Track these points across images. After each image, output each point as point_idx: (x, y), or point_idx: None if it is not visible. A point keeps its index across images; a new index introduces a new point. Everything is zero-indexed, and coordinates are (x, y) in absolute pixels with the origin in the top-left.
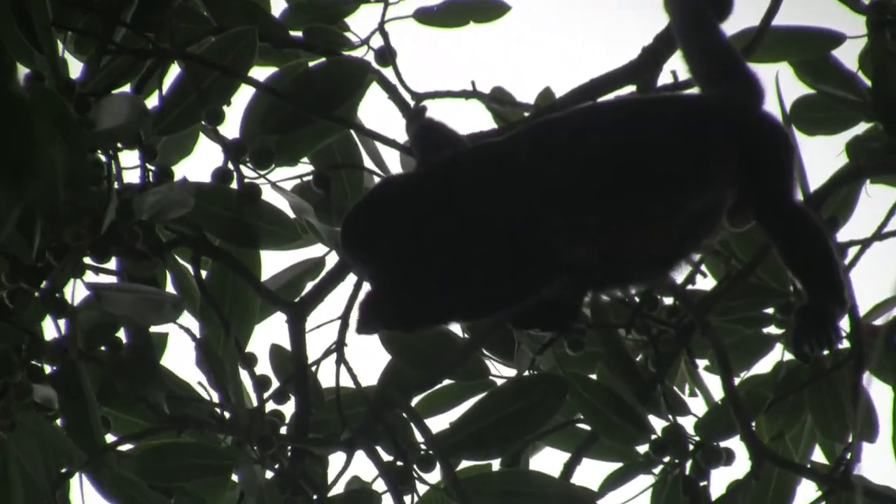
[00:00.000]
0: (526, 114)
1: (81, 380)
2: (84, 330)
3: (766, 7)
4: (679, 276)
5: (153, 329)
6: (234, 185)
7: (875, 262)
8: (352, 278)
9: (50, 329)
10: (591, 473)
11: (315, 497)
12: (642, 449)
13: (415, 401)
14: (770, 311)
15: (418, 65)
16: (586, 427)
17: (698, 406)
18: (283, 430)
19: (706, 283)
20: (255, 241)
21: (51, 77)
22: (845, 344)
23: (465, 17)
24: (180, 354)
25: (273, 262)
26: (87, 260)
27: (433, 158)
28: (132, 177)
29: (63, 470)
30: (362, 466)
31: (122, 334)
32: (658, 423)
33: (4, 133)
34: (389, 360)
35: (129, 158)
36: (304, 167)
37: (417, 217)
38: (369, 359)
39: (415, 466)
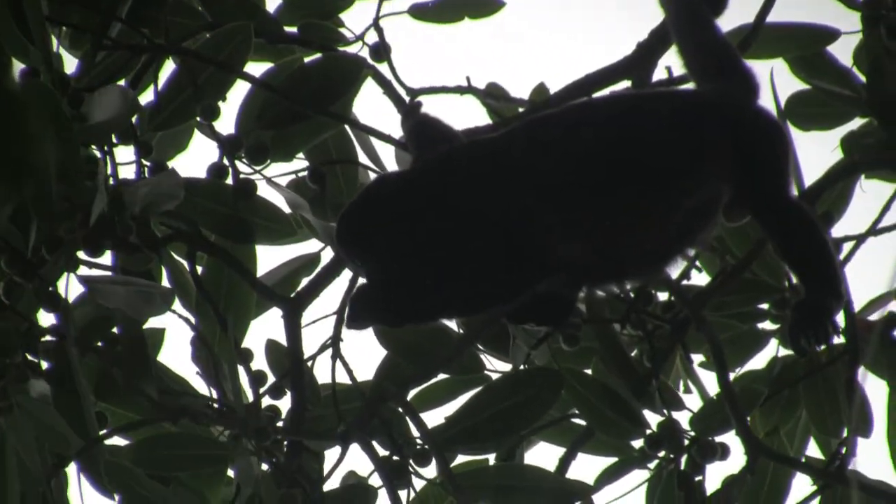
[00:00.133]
0: (521, 109)
1: (76, 374)
2: (79, 326)
3: (761, 3)
4: (674, 271)
5: (149, 324)
6: (229, 181)
7: (870, 257)
8: (347, 274)
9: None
10: (585, 468)
11: (311, 492)
12: (637, 444)
13: (410, 395)
14: (765, 306)
15: (413, 61)
16: (581, 422)
17: (693, 401)
18: (279, 426)
19: (701, 278)
20: (250, 236)
21: (45, 72)
22: (840, 339)
23: (460, 12)
24: (176, 350)
25: (268, 258)
26: (82, 255)
27: (428, 154)
28: (128, 173)
29: (59, 460)
30: (358, 461)
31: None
32: (653, 419)
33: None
34: (385, 354)
35: (125, 154)
36: (300, 163)
37: (412, 213)
38: (365, 354)
39: (411, 461)
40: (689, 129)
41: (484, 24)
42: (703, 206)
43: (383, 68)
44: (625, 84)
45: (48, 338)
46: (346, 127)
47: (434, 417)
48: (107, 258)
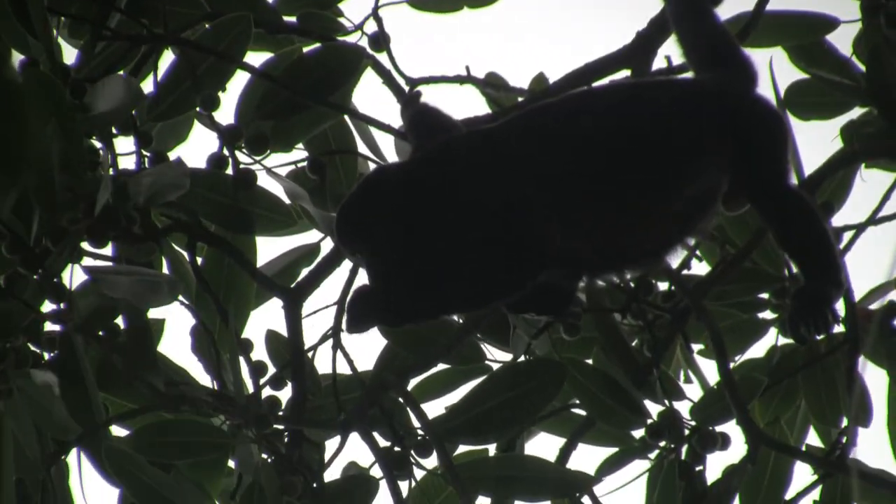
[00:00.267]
0: (520, 99)
1: (81, 362)
2: (82, 316)
3: None
4: (674, 260)
5: (149, 315)
6: (229, 171)
7: (870, 246)
8: (347, 264)
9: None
10: (586, 458)
11: (312, 481)
12: (638, 434)
13: (411, 385)
14: (765, 295)
15: (412, 50)
16: (582, 412)
17: (694, 391)
18: (280, 415)
19: (701, 267)
20: (250, 226)
21: (46, 62)
22: (840, 328)
23: (459, 2)
24: (176, 341)
25: (268, 248)
26: (85, 246)
27: (427, 144)
28: (127, 163)
29: (59, 447)
30: (360, 453)
31: (120, 321)
32: (654, 408)
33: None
34: (385, 344)
35: (125, 145)
36: (300, 153)
37: (411, 205)
38: (366, 344)
39: (412, 452)
40: (689, 117)
41: (483, 13)
42: (703, 194)
43: (383, 58)
44: (624, 73)
45: (51, 327)
46: (346, 117)
47: (435, 408)
48: (107, 249)
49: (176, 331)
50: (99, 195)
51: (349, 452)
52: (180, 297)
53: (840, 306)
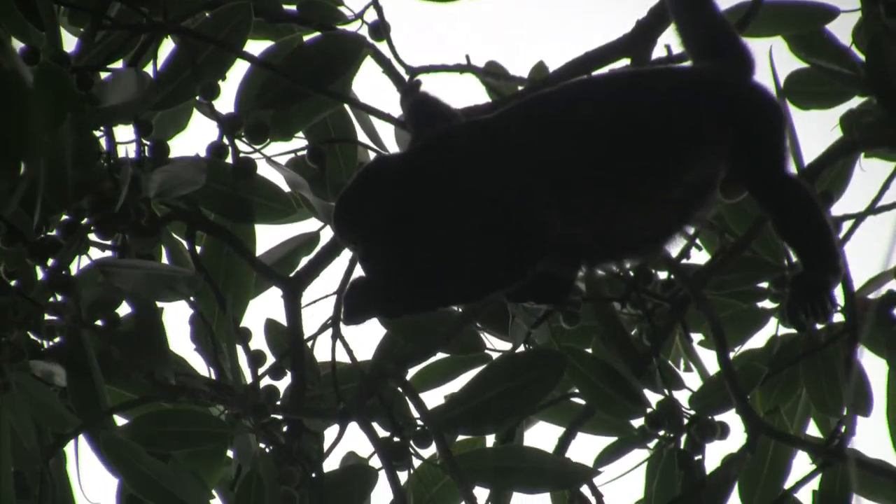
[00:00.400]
0: (520, 88)
1: (85, 349)
2: (87, 304)
3: None
4: (674, 249)
5: None
6: (229, 160)
7: (869, 236)
8: (347, 253)
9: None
10: (585, 448)
11: (310, 471)
12: (637, 423)
13: (410, 374)
14: (765, 285)
15: (412, 39)
16: (581, 401)
17: (693, 380)
18: (278, 405)
19: (701, 256)
20: (250, 215)
21: (47, 51)
22: (840, 318)
23: None
24: (175, 330)
25: (268, 237)
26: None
27: (427, 133)
28: (127, 151)
29: (58, 439)
30: (359, 443)
31: (120, 311)
32: (653, 398)
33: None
34: (385, 333)
35: (125, 133)
36: (299, 142)
37: (411, 194)
38: (365, 333)
39: (411, 442)
40: (688, 105)
41: (483, 2)
42: (702, 181)
43: (383, 47)
44: (624, 62)
45: (51, 317)
46: (346, 106)
47: (434, 397)
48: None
49: (174, 320)
50: (119, 190)
51: (348, 442)
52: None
53: (839, 295)
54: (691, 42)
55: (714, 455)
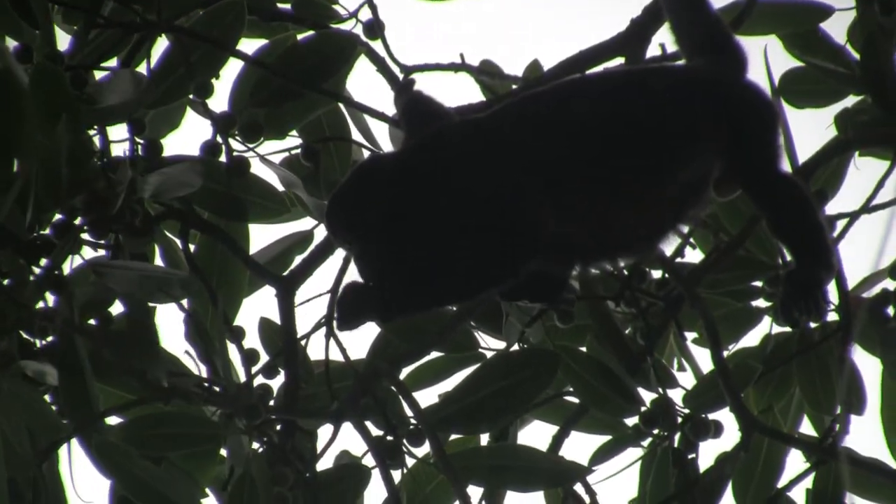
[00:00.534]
0: (514, 86)
1: (78, 350)
2: (79, 304)
3: None
4: (668, 248)
5: None
6: (222, 159)
7: (864, 235)
8: (341, 252)
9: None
10: (579, 446)
11: (304, 471)
12: (631, 421)
13: (403, 374)
14: (759, 283)
15: (407, 38)
16: (575, 400)
17: (687, 379)
18: (271, 405)
19: (695, 255)
20: (243, 214)
21: (41, 50)
22: (833, 316)
23: None
24: (167, 328)
25: (262, 236)
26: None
27: (420, 132)
28: (120, 150)
29: (51, 444)
30: (352, 441)
31: (113, 310)
32: (647, 396)
33: None
34: (378, 332)
35: (118, 132)
36: (293, 140)
37: (404, 192)
38: (359, 332)
39: (404, 440)
40: (683, 103)
41: (478, 1)
42: (696, 180)
43: (377, 45)
44: (618, 61)
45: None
46: (340, 104)
47: (427, 396)
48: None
49: (168, 317)
50: (119, 192)
51: (341, 441)
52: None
53: (833, 293)
54: (685, 40)
55: (708, 453)
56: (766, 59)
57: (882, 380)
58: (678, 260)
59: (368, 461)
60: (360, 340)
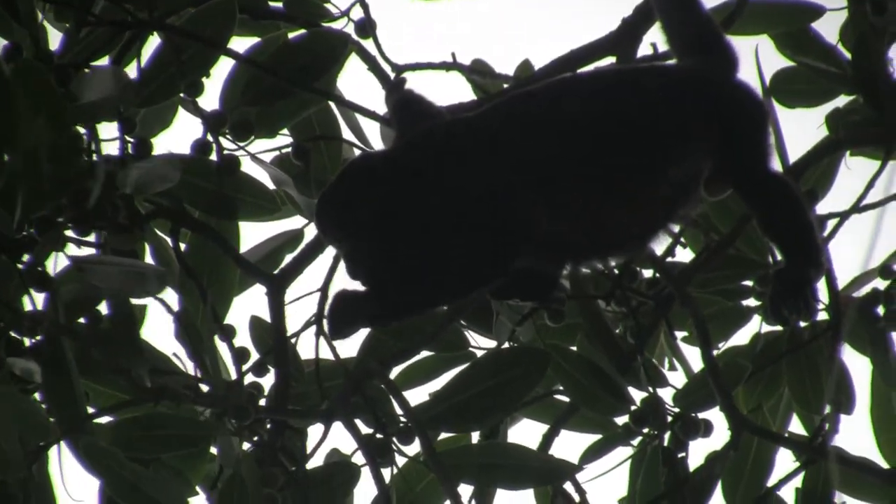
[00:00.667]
0: (505, 85)
1: (64, 351)
2: (65, 302)
3: None
4: (659, 247)
5: (133, 301)
6: (213, 157)
7: (854, 234)
8: (331, 250)
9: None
10: (569, 445)
11: (294, 469)
12: (621, 421)
13: (394, 373)
14: (749, 282)
15: (398, 37)
16: (565, 399)
17: (678, 378)
18: (263, 403)
19: (686, 254)
20: (234, 212)
21: (30, 48)
22: (823, 316)
23: None
24: (159, 327)
25: (252, 234)
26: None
27: (411, 131)
28: (111, 149)
29: (41, 444)
30: (342, 440)
31: (102, 307)
32: (637, 395)
33: None
34: (369, 331)
35: (108, 130)
36: (284, 139)
37: (394, 191)
38: None
39: (394, 439)
40: (674, 102)
41: (470, 0)
42: (687, 179)
43: (368, 44)
44: (610, 60)
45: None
46: (331, 103)
47: (418, 395)
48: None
49: (160, 316)
50: (92, 186)
51: (331, 439)
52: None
53: (823, 293)
54: (676, 40)
55: (698, 452)
56: (757, 58)
57: (871, 379)
58: (669, 259)
59: (358, 459)
60: (351, 339)
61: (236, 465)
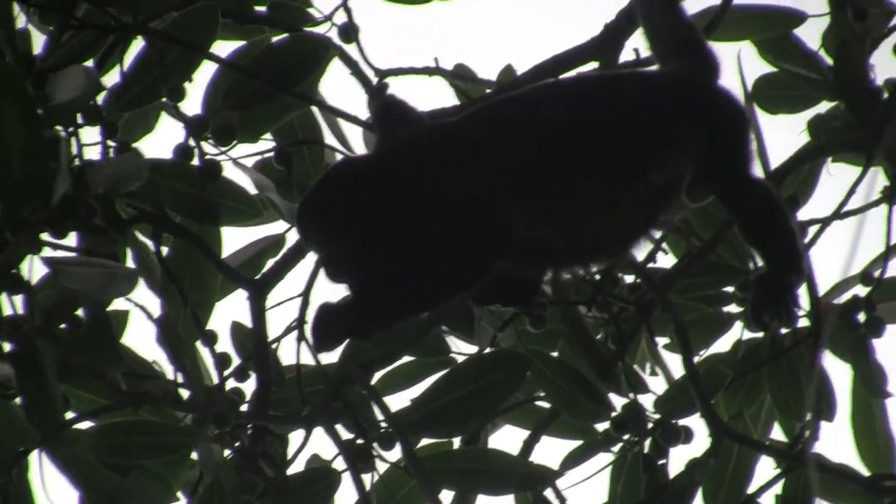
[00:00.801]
0: (488, 90)
1: (41, 356)
2: (43, 308)
3: None
4: (640, 253)
5: (114, 306)
6: (195, 162)
7: (835, 241)
8: (313, 256)
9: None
10: (550, 451)
11: (274, 476)
12: (602, 427)
13: (375, 378)
14: (730, 289)
15: (381, 41)
16: (546, 405)
17: (659, 384)
18: (244, 408)
19: (667, 260)
20: (216, 217)
21: (10, 52)
22: (804, 322)
23: None
24: (141, 332)
25: (234, 239)
26: (47, 237)
27: (393, 135)
28: (94, 153)
29: (21, 449)
30: (323, 445)
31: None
32: (618, 401)
33: None
34: None
35: (91, 135)
36: (266, 143)
37: (375, 196)
38: None
39: (375, 444)
40: (656, 108)
41: (452, 5)
42: (669, 185)
43: (351, 49)
44: (592, 65)
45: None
46: (313, 107)
47: (399, 401)
48: (71, 240)
49: (143, 321)
50: (56, 185)
51: (312, 445)
52: (145, 288)
53: (804, 300)
54: (658, 45)
55: (678, 459)
56: (739, 64)
57: (852, 386)
58: (650, 265)
59: (339, 465)
60: None
61: (216, 472)
